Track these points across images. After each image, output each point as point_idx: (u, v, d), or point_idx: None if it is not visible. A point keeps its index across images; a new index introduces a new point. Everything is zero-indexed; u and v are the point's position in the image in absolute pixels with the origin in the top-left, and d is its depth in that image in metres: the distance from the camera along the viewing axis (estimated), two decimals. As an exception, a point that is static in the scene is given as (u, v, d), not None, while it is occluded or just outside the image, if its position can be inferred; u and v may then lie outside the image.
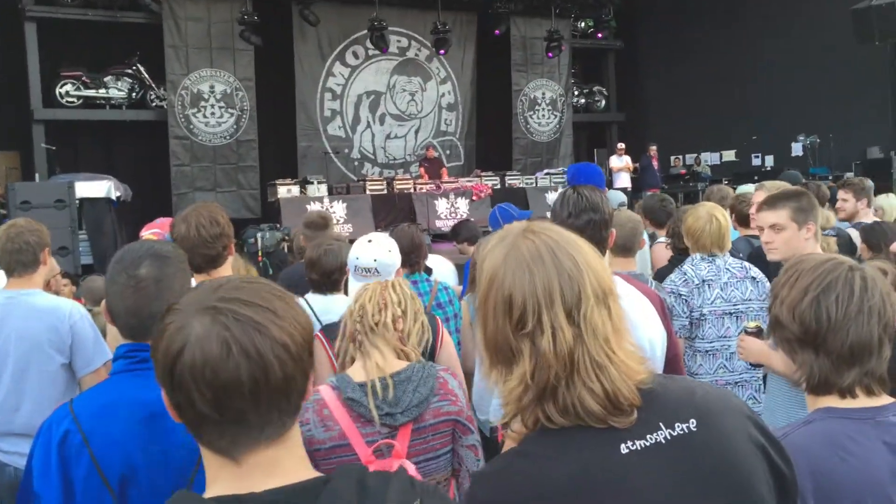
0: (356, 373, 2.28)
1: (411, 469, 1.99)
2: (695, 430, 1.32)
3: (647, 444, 1.29)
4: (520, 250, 1.34)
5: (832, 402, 1.73)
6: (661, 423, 1.31)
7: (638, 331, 2.64)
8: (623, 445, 1.28)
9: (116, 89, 14.94)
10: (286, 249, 8.65)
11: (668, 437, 1.30)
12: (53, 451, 1.83)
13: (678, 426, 1.31)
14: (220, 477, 1.15)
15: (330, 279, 3.75)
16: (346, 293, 3.64)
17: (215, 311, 1.11)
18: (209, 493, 1.13)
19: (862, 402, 1.71)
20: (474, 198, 14.96)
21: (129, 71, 15.06)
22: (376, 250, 3.00)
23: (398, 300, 2.37)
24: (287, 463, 1.15)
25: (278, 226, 11.35)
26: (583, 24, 20.12)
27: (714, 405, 1.37)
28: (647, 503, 1.27)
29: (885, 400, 1.74)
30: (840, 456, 1.63)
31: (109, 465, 1.82)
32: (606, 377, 1.29)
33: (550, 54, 18.49)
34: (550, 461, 1.29)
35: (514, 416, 1.35)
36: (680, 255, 4.86)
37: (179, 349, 1.10)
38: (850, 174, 14.37)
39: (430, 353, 3.19)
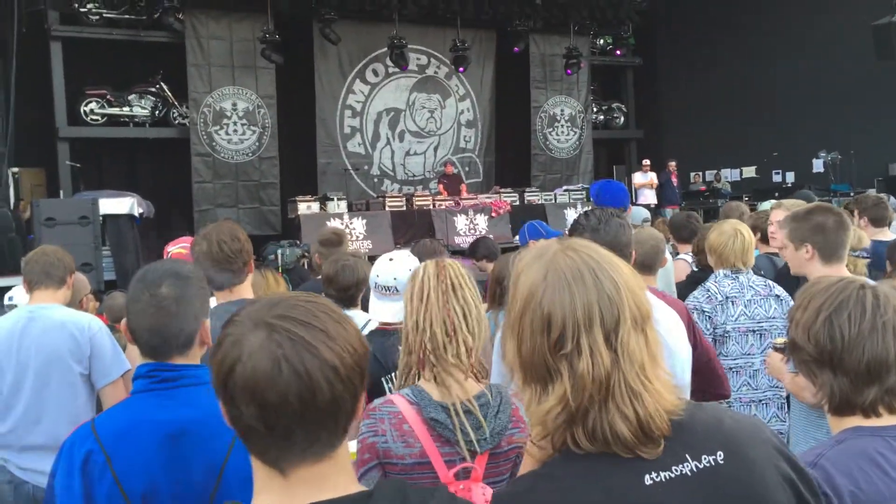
0: (432, 390, 2.22)
1: (488, 494, 1.99)
2: (722, 462, 1.30)
3: (672, 475, 1.28)
4: (560, 268, 1.33)
5: (857, 421, 1.73)
6: (687, 455, 1.29)
7: (668, 345, 2.64)
8: (647, 476, 1.27)
9: (140, 107, 15.11)
10: (305, 266, 8.70)
11: (695, 470, 1.29)
12: (76, 471, 1.86)
13: (705, 458, 1.30)
14: (267, 488, 1.17)
15: (347, 294, 3.78)
16: (364, 309, 3.67)
17: (270, 328, 1.14)
18: (255, 503, 1.16)
19: (887, 420, 1.71)
20: (493, 214, 14.96)
21: (153, 89, 15.23)
22: (397, 269, 3.01)
23: (462, 311, 2.26)
24: (334, 478, 1.17)
25: (298, 242, 11.41)
26: (601, 42, 20.13)
27: (742, 436, 1.35)
28: None
29: None
30: (877, 473, 1.63)
31: (132, 485, 1.85)
32: (641, 404, 1.28)
33: (569, 71, 18.49)
34: (574, 488, 1.27)
35: (544, 437, 1.33)
36: (701, 271, 4.86)
37: (233, 363, 1.13)
38: (871, 190, 14.30)
39: None
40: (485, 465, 2.16)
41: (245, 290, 3.02)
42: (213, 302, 3.93)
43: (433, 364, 2.21)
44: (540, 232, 5.72)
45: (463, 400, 2.19)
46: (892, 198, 6.02)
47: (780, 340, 2.97)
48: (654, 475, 1.27)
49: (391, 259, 3.10)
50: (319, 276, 4.52)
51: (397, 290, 2.95)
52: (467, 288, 2.29)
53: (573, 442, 1.29)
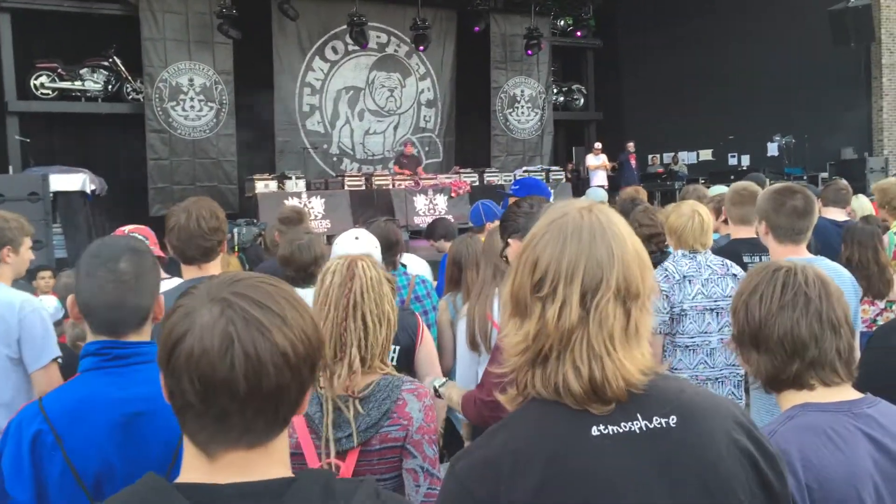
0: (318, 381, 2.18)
1: None
2: (673, 426, 1.32)
3: (619, 430, 1.30)
4: (565, 222, 1.38)
5: (800, 397, 1.78)
6: (638, 414, 1.32)
7: None
8: (595, 428, 1.30)
9: (92, 81, 14.78)
10: (262, 245, 8.61)
11: (643, 429, 1.31)
12: (25, 452, 1.80)
13: (656, 420, 1.32)
14: (193, 466, 1.14)
15: (306, 273, 3.74)
16: None
17: (226, 304, 1.10)
18: (180, 479, 1.13)
19: (832, 395, 1.77)
20: (453, 194, 14.98)
21: (106, 63, 14.91)
22: (364, 247, 2.97)
23: (361, 330, 2.19)
24: (263, 466, 1.13)
25: (255, 221, 11.28)
26: (562, 23, 20.18)
27: (700, 405, 1.36)
28: (613, 489, 1.27)
29: (856, 394, 1.80)
30: (827, 447, 1.67)
31: (85, 466, 1.80)
32: (599, 366, 1.30)
33: (530, 52, 18.52)
34: (524, 436, 1.32)
35: (513, 371, 1.38)
36: (654, 254, 4.88)
37: (181, 335, 1.09)
38: (824, 174, 14.57)
39: (410, 351, 3.17)
40: (354, 463, 2.11)
41: (213, 268, 3.00)
42: (174, 281, 3.86)
43: (325, 366, 2.15)
44: (495, 212, 5.70)
45: (341, 395, 2.13)
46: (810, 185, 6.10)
47: None
48: (601, 427, 1.30)
49: (357, 238, 3.06)
50: (275, 257, 4.46)
51: None
52: (371, 303, 2.21)
53: (531, 384, 1.35)
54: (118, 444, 1.83)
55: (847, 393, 1.79)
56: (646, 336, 1.38)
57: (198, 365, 1.07)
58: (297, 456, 2.07)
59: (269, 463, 1.14)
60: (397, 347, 3.06)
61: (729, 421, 1.36)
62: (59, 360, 3.37)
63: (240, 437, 1.10)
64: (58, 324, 6.28)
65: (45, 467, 1.80)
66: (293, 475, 1.14)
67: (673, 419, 1.32)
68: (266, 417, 1.11)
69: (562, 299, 1.32)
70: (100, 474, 1.81)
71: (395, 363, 2.98)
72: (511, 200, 3.30)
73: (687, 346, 3.86)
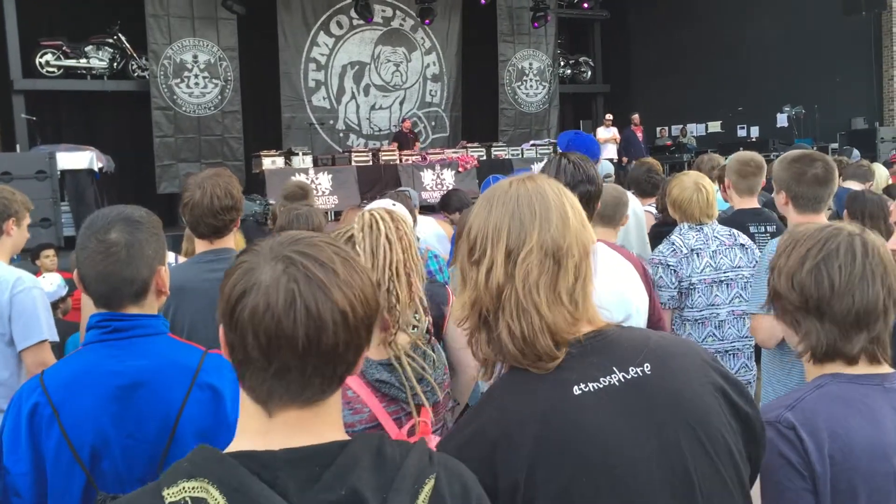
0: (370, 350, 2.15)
1: (433, 443, 1.97)
2: (649, 373, 1.37)
3: (600, 385, 1.34)
4: (496, 193, 1.45)
5: (837, 368, 1.72)
6: (614, 367, 1.36)
7: (622, 293, 2.65)
8: (575, 388, 1.34)
9: (97, 59, 14.71)
10: (265, 221, 8.56)
11: (622, 380, 1.35)
12: (23, 423, 1.80)
13: (632, 370, 1.37)
14: (248, 428, 1.16)
15: None
16: None
17: (289, 261, 1.13)
18: (232, 446, 1.15)
19: (866, 369, 1.71)
20: (460, 169, 14.92)
21: (110, 40, 14.82)
22: (401, 213, 2.91)
23: (414, 266, 2.17)
24: (318, 427, 1.16)
25: (259, 197, 11.26)
26: (569, -6, 19.98)
27: (669, 349, 1.43)
28: (604, 442, 1.31)
29: (888, 369, 1.74)
30: (855, 419, 1.63)
31: (80, 438, 1.80)
32: (527, 322, 1.35)
33: (536, 24, 18.35)
34: (510, 405, 1.36)
35: (469, 342, 1.45)
36: (664, 224, 4.85)
37: (244, 290, 1.12)
38: (834, 145, 14.45)
39: (440, 323, 3.16)
40: (429, 417, 2.10)
41: (227, 242, 2.98)
42: (172, 257, 3.83)
43: (395, 323, 2.09)
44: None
45: (408, 354, 2.12)
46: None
47: None
48: (581, 386, 1.34)
49: (394, 205, 3.01)
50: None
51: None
52: (414, 241, 2.21)
53: (480, 349, 1.42)
54: (113, 416, 1.82)
55: (880, 368, 1.73)
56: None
57: (262, 321, 1.09)
58: (374, 429, 2.03)
59: (322, 424, 1.16)
60: (428, 318, 3.05)
61: (698, 360, 1.43)
62: (50, 341, 3.32)
63: (298, 394, 1.13)
64: (62, 300, 6.31)
65: (43, 440, 1.80)
66: (343, 439, 1.16)
67: (647, 367, 1.37)
68: (323, 374, 1.14)
69: (490, 259, 1.38)
70: (95, 447, 1.81)
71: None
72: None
73: (696, 320, 3.84)
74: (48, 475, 1.80)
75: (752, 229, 4.16)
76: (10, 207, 3.47)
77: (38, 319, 3.28)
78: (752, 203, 4.33)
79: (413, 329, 2.17)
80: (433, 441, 1.89)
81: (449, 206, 6.49)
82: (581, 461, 1.30)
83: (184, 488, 1.06)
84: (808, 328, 1.72)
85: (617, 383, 1.35)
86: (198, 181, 2.91)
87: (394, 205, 2.98)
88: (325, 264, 1.14)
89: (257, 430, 1.15)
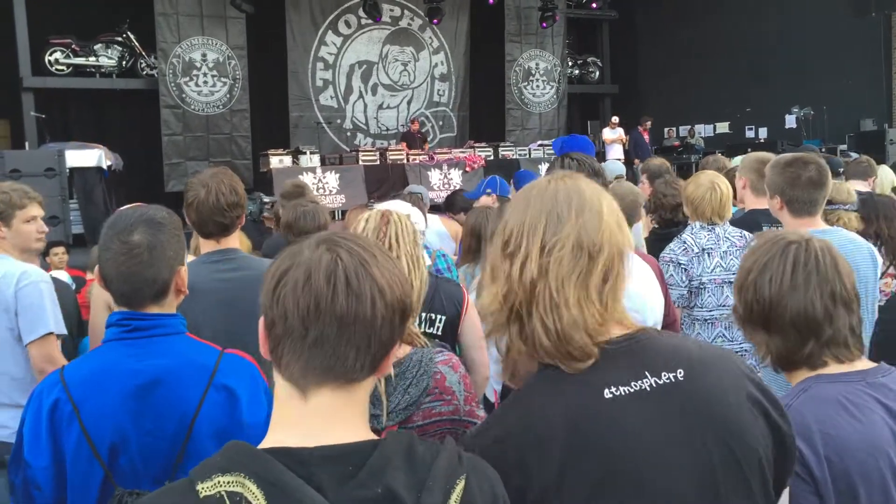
0: None
1: None
2: (682, 379, 1.35)
3: (632, 390, 1.33)
4: (537, 187, 1.46)
5: (809, 373, 1.75)
6: (646, 372, 1.34)
7: (639, 294, 2.65)
8: (606, 391, 1.32)
9: (106, 57, 14.76)
10: (255, 218, 8.53)
11: (654, 385, 1.33)
12: (44, 420, 1.83)
13: (665, 375, 1.34)
14: (282, 419, 1.18)
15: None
16: None
17: (332, 242, 1.19)
18: (266, 440, 1.17)
19: (838, 368, 1.73)
20: (467, 169, 14.91)
21: (119, 38, 14.88)
22: (416, 218, 2.90)
23: (397, 254, 2.14)
24: (347, 416, 1.18)
25: (259, 195, 11.28)
26: (577, -6, 19.96)
27: (706, 359, 1.40)
28: (634, 448, 1.30)
29: (868, 364, 1.76)
30: (844, 417, 1.65)
31: (99, 434, 1.82)
32: (558, 317, 1.34)
33: (544, 24, 18.34)
34: (538, 406, 1.34)
35: (491, 333, 1.44)
36: (664, 227, 4.84)
37: (289, 266, 1.17)
38: (843, 146, 14.40)
39: (455, 321, 3.15)
40: None
41: (233, 241, 2.98)
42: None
43: None
44: (496, 184, 5.76)
45: None
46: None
47: None
48: (612, 389, 1.32)
49: (410, 206, 3.01)
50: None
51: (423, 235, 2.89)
52: (405, 249, 2.17)
53: (511, 343, 1.40)
54: (133, 414, 1.84)
55: (859, 363, 1.75)
56: (616, 294, 1.40)
57: (303, 290, 1.14)
58: None
59: (353, 415, 1.19)
60: (443, 317, 3.03)
61: (734, 369, 1.40)
62: (59, 336, 3.28)
63: (328, 370, 1.15)
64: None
65: (63, 436, 1.82)
66: (376, 437, 1.18)
67: (680, 372, 1.35)
68: (358, 348, 1.16)
69: (524, 253, 1.38)
70: (114, 444, 1.83)
71: (440, 333, 2.97)
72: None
73: (705, 320, 3.84)
74: (67, 470, 1.82)
75: (764, 228, 4.14)
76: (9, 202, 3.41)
77: (43, 312, 3.25)
78: (765, 203, 4.32)
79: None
80: None
81: (453, 206, 6.50)
82: (610, 466, 1.29)
83: (219, 482, 1.07)
84: (758, 339, 1.78)
85: (648, 388, 1.33)
86: (201, 180, 2.91)
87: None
88: (366, 248, 1.20)
89: (291, 421, 1.17)
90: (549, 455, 1.29)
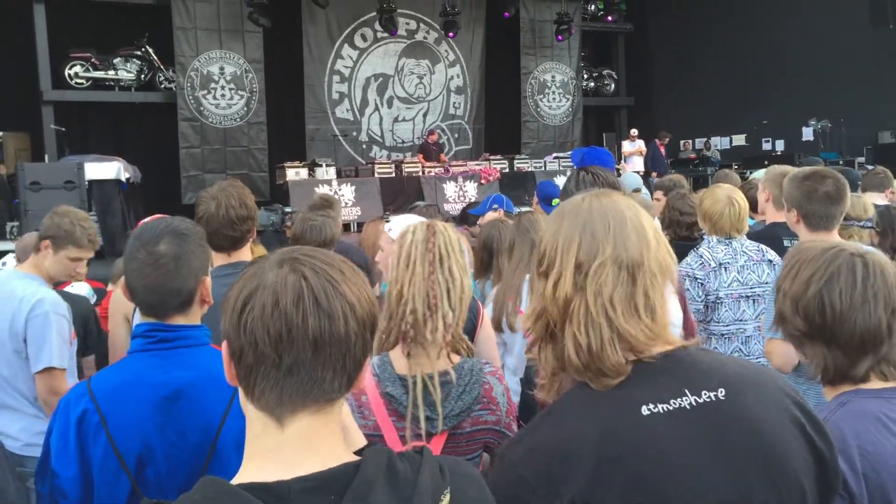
0: (398, 361, 2.13)
1: None
2: (723, 398, 1.31)
3: (670, 408, 1.29)
4: (570, 205, 1.44)
5: (851, 388, 1.72)
6: (686, 390, 1.31)
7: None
8: (644, 408, 1.29)
9: (125, 71, 14.91)
10: (277, 229, 8.61)
11: (693, 404, 1.30)
12: (72, 430, 1.84)
13: (705, 394, 1.31)
14: (258, 450, 1.14)
15: None
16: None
17: (294, 261, 1.15)
18: (240, 476, 1.12)
19: (881, 384, 1.71)
20: (483, 181, 14.93)
21: (138, 52, 15.03)
22: None
23: (446, 285, 2.14)
24: (325, 437, 1.14)
25: (279, 206, 11.31)
26: (592, 7, 19.95)
27: (748, 378, 1.36)
28: (671, 466, 1.26)
29: None
30: (882, 433, 1.63)
31: (126, 445, 1.83)
32: (595, 334, 1.32)
33: (560, 37, 18.38)
34: (572, 421, 1.32)
35: (533, 354, 1.44)
36: (678, 240, 4.82)
37: (253, 290, 1.12)
38: (860, 159, 14.32)
39: (471, 334, 3.16)
40: (442, 445, 2.06)
41: (244, 254, 2.99)
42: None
43: (411, 337, 2.10)
44: (501, 200, 5.79)
45: (426, 376, 2.09)
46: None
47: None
48: (651, 406, 1.29)
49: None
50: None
51: None
52: (455, 258, 2.19)
53: (545, 361, 1.41)
54: (158, 426, 1.86)
55: (893, 381, 1.72)
56: (661, 308, 1.38)
57: (272, 316, 1.09)
58: (376, 438, 2.03)
59: (331, 436, 1.15)
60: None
61: (776, 390, 1.37)
62: (58, 368, 3.24)
63: (306, 394, 1.12)
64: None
65: (90, 446, 1.84)
66: (354, 460, 1.14)
67: (721, 392, 1.31)
68: (334, 369, 1.12)
69: (558, 271, 1.37)
70: (141, 455, 1.84)
71: None
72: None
73: (722, 335, 3.82)
74: (95, 481, 1.83)
75: (786, 243, 4.12)
76: (53, 229, 3.39)
77: (46, 345, 3.23)
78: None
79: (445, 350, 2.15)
80: None
81: (467, 219, 6.51)
82: (641, 484, 1.26)
83: None
84: (815, 353, 1.73)
85: (688, 406, 1.30)
86: (211, 194, 2.91)
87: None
88: (330, 264, 1.16)
89: (268, 450, 1.12)
90: (579, 469, 1.26)
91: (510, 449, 1.39)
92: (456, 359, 2.16)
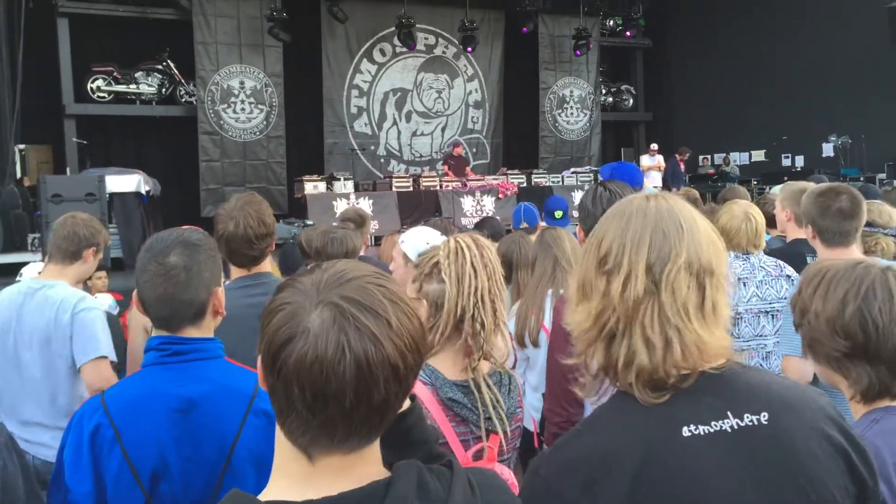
0: (445, 368, 2.10)
1: (506, 475, 1.94)
2: (765, 423, 1.28)
3: (711, 430, 1.26)
4: (628, 204, 1.38)
5: (883, 404, 1.71)
6: (728, 412, 1.28)
7: None
8: (685, 428, 1.26)
9: (146, 84, 15.07)
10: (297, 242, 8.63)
11: (735, 427, 1.27)
12: (85, 445, 1.83)
13: (747, 417, 1.28)
14: (288, 471, 1.10)
15: None
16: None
17: (337, 309, 1.05)
18: (267, 493, 1.10)
19: None
20: (500, 196, 14.92)
21: (159, 66, 15.19)
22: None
23: (500, 295, 2.16)
24: (361, 468, 1.10)
25: (298, 220, 11.36)
26: (611, 23, 19.99)
27: (790, 400, 1.33)
28: (710, 490, 1.24)
29: None
30: None
31: (141, 460, 1.82)
32: (676, 336, 1.28)
33: (578, 52, 18.40)
34: (612, 437, 1.28)
35: (582, 353, 1.37)
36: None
37: (289, 338, 1.05)
38: (881, 175, 14.20)
39: None
40: (498, 444, 2.07)
41: (264, 266, 3.01)
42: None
43: (479, 349, 2.07)
44: (534, 214, 5.76)
45: (486, 377, 2.11)
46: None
47: None
48: (692, 427, 1.26)
49: (440, 235, 3.02)
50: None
51: None
52: (500, 270, 2.19)
53: (600, 362, 1.33)
54: (173, 439, 1.84)
55: None
56: (724, 319, 1.34)
57: (309, 373, 1.03)
58: (441, 446, 1.99)
59: (365, 464, 1.11)
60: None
61: (819, 414, 1.33)
62: (112, 361, 3.36)
63: (342, 442, 1.07)
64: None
65: (104, 461, 1.82)
66: (384, 478, 1.10)
67: (764, 416, 1.28)
68: (370, 425, 1.08)
69: (627, 270, 1.31)
70: (156, 470, 1.83)
71: None
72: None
73: (742, 350, 3.79)
74: (108, 496, 1.82)
75: (808, 259, 4.09)
76: (95, 237, 3.56)
77: (96, 337, 3.32)
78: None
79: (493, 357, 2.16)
80: (498, 471, 1.84)
81: (482, 232, 6.51)
82: None
83: None
84: (859, 373, 1.70)
85: (729, 430, 1.27)
86: (229, 212, 2.88)
87: (427, 243, 2.98)
88: (377, 313, 1.07)
89: (298, 474, 1.09)
90: (618, 485, 1.24)
91: (544, 462, 1.35)
92: (487, 365, 2.16)
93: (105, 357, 3.32)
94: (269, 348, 1.07)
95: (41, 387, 3.33)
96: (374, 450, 1.13)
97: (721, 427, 1.27)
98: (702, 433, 1.26)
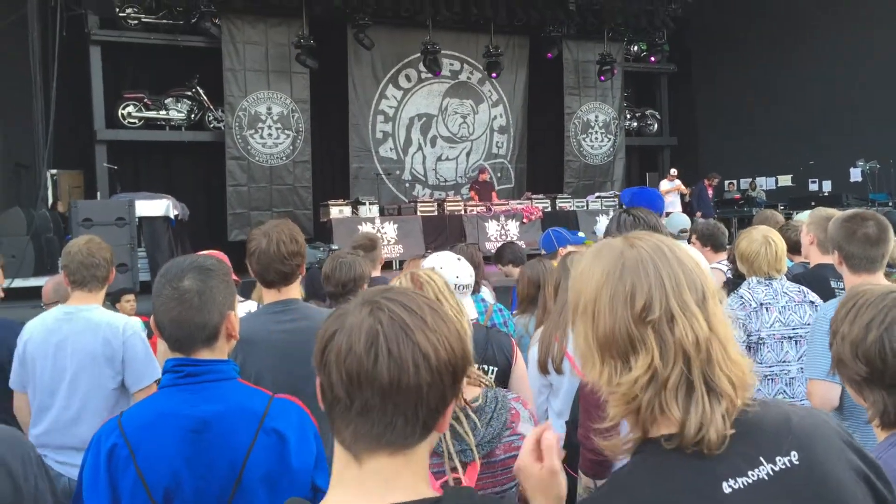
0: None
1: None
2: (797, 462, 1.25)
3: (750, 481, 1.22)
4: (634, 251, 1.30)
5: None
6: (761, 458, 1.24)
7: None
8: (725, 484, 1.21)
9: (176, 111, 15.32)
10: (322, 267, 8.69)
11: (771, 473, 1.23)
12: (102, 463, 1.89)
13: (779, 460, 1.25)
14: (342, 480, 1.18)
15: (344, 289, 3.78)
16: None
17: (376, 305, 1.18)
18: (330, 498, 1.17)
19: None
20: (525, 220, 14.95)
21: (189, 93, 15.45)
22: (463, 268, 2.96)
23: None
24: (407, 477, 1.17)
25: (323, 244, 11.43)
26: (635, 48, 20.04)
27: (811, 433, 1.30)
28: None
29: None
30: None
31: (154, 478, 1.87)
32: (735, 375, 1.24)
33: (602, 77, 18.45)
34: (649, 496, 1.22)
35: (622, 416, 1.28)
36: (737, 278, 4.79)
37: (333, 333, 1.17)
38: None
39: (506, 372, 3.18)
40: (476, 475, 2.02)
41: (293, 291, 3.05)
42: (250, 305, 3.90)
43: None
44: (566, 238, 5.76)
45: (457, 407, 2.07)
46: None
47: None
48: (731, 482, 1.22)
49: (459, 259, 3.06)
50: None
51: (467, 288, 2.93)
52: (448, 301, 2.21)
53: (651, 418, 1.25)
54: (186, 459, 1.89)
55: None
56: (730, 331, 1.32)
57: (345, 359, 1.14)
58: None
59: (413, 475, 1.17)
60: (495, 369, 3.06)
61: (837, 441, 1.32)
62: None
63: (380, 437, 1.14)
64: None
65: (120, 480, 1.88)
66: (436, 495, 1.16)
67: (794, 455, 1.25)
68: (406, 416, 1.14)
69: (681, 312, 1.24)
70: (168, 489, 1.88)
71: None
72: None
73: (765, 376, 3.77)
74: (123, 514, 1.87)
75: (832, 284, 4.07)
76: (111, 259, 3.68)
77: (148, 362, 3.48)
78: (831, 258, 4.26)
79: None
80: None
81: (502, 258, 6.53)
82: None
83: None
84: (875, 398, 1.71)
85: (766, 477, 1.23)
86: (263, 230, 3.01)
87: (458, 259, 3.03)
88: (411, 309, 1.18)
89: (350, 483, 1.17)
90: None
91: None
92: (475, 391, 2.16)
93: (157, 381, 3.41)
94: (318, 347, 1.19)
95: (89, 409, 3.42)
96: (421, 462, 1.20)
97: (759, 476, 1.23)
98: (742, 486, 1.22)
